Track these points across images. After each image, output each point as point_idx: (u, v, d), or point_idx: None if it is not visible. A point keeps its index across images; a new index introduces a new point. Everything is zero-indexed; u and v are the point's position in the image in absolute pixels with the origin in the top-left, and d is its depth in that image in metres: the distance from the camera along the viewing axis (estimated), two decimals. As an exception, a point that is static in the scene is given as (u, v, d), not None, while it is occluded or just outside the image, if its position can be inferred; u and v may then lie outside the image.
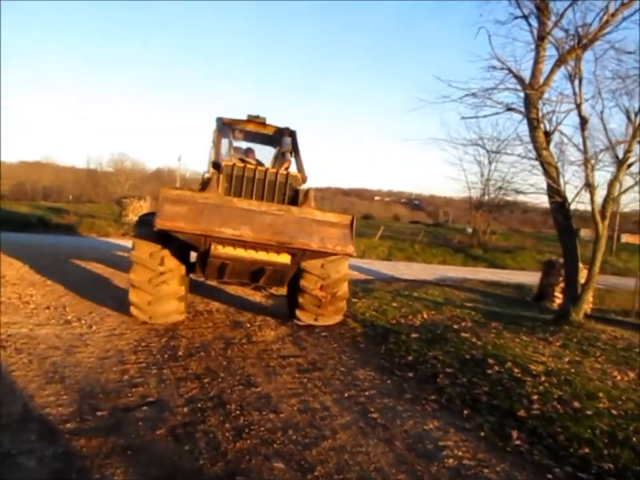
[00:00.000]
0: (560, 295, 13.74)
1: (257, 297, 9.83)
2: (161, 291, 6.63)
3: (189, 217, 5.69)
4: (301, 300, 7.33)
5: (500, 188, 23.02)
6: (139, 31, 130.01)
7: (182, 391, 4.79)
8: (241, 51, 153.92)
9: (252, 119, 8.43)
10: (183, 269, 6.87)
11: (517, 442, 4.26)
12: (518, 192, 10.53)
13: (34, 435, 3.68)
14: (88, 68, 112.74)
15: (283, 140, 8.54)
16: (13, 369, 4.96)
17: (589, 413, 4.84)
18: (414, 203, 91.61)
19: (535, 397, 5.14)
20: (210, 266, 6.61)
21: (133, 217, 20.62)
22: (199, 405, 4.49)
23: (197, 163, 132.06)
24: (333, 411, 4.64)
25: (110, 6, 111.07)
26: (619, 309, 14.65)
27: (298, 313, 7.45)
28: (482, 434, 4.39)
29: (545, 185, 10.26)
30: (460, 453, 4.02)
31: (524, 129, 12.14)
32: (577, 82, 9.28)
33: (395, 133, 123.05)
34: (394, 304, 10.24)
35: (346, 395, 5.06)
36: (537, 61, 10.27)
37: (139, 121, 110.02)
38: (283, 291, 9.00)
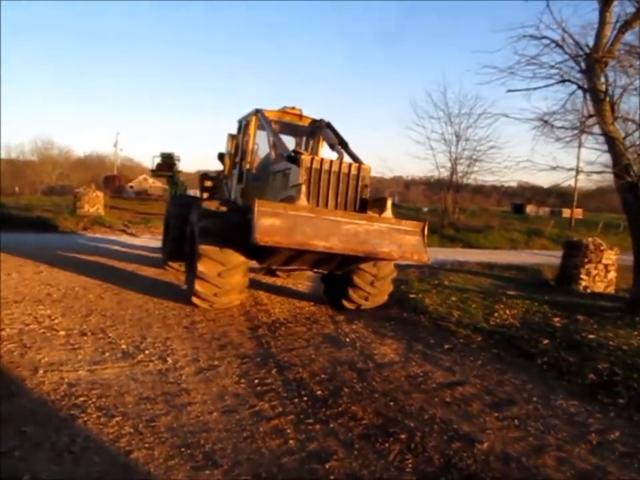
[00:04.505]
0: (586, 277, 13.15)
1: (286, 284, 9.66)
2: (227, 284, 6.50)
3: (283, 230, 5.49)
4: (350, 291, 7.32)
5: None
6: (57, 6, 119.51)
7: (393, 461, 3.28)
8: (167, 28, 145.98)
9: (288, 111, 8.23)
10: (248, 262, 6.69)
11: None
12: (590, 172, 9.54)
13: None
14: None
15: (324, 132, 8.08)
16: (124, 446, 3.23)
17: None
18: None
19: None
20: (280, 255, 6.51)
21: (89, 209, 18.02)
22: (447, 486, 3.02)
23: (131, 148, 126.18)
24: (613, 471, 3.32)
25: None
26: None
27: (351, 294, 7.35)
28: None
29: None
30: None
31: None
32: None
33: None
34: (453, 298, 9.06)
35: (594, 442, 3.76)
36: (601, 27, 9.26)
37: (61, 104, 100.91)
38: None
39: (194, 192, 23.71)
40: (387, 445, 3.49)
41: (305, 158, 6.19)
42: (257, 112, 7.76)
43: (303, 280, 10.11)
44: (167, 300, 7.25)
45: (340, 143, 7.36)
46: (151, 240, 15.56)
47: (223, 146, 9.34)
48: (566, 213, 48.37)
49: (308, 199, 5.92)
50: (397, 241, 5.98)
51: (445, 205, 26.97)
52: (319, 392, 4.36)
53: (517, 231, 27.96)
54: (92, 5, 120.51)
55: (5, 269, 8.76)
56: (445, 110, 26.50)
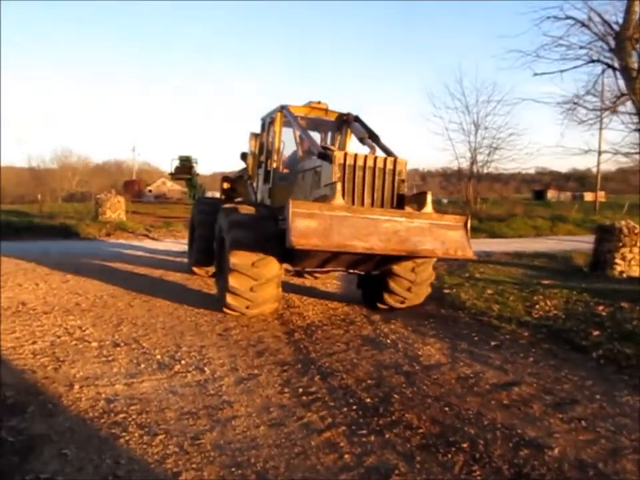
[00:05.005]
0: (621, 262, 12.71)
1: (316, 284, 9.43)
2: (260, 297, 6.25)
3: (320, 232, 5.18)
4: (386, 296, 7.02)
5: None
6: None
7: (460, 473, 3.05)
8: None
9: (314, 106, 7.93)
10: (282, 271, 6.43)
11: None
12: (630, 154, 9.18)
13: None
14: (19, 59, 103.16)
15: (352, 126, 7.77)
16: (171, 467, 3.03)
17: None
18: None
19: None
20: (316, 258, 6.20)
21: (111, 215, 18.02)
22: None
23: (148, 152, 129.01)
24: None
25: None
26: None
27: (386, 298, 7.02)
28: None
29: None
30: None
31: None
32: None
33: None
34: (488, 291, 8.75)
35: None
36: (630, 3, 8.89)
37: (79, 113, 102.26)
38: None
39: (212, 194, 23.72)
40: (449, 455, 3.25)
41: (338, 154, 5.89)
42: (283, 108, 7.49)
43: (331, 280, 9.88)
44: (197, 306, 7.08)
45: (370, 137, 7.04)
46: (174, 244, 15.48)
47: (239, 148, 9.22)
48: (588, 196, 47.36)
49: (343, 197, 5.64)
50: (440, 237, 5.60)
51: (465, 196, 26.49)
52: (368, 399, 4.13)
53: (540, 218, 27.35)
54: (107, 11, 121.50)
55: (32, 278, 8.71)
56: (462, 99, 26.04)
